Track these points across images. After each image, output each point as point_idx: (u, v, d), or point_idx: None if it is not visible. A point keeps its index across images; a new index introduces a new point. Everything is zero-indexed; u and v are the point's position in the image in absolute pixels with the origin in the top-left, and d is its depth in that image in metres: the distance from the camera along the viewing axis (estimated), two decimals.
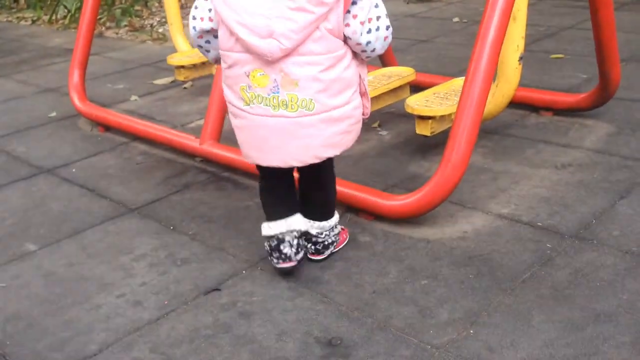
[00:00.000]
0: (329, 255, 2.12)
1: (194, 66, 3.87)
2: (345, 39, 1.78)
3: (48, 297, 2.07)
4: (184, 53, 4.05)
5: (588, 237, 2.11)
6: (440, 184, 2.18)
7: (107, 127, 3.49)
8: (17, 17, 7.22)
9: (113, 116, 3.48)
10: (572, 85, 3.52)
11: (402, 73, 3.19)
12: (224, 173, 2.84)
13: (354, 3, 1.74)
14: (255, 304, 1.94)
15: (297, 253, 2.03)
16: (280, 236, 2.01)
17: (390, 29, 1.83)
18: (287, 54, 1.73)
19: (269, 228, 2.02)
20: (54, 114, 3.85)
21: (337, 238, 2.15)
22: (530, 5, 5.42)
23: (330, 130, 1.85)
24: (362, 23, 1.74)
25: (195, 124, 3.52)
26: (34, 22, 6.95)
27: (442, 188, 2.18)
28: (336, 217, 2.12)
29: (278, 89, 1.78)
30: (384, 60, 3.71)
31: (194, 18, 1.89)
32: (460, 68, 3.90)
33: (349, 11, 1.74)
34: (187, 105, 3.84)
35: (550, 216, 2.26)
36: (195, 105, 3.83)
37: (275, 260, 2.03)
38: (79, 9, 6.50)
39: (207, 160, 2.94)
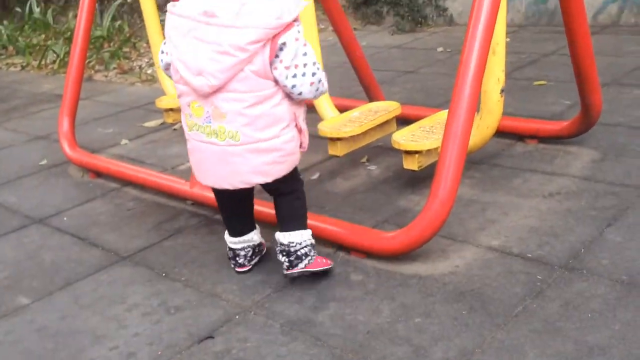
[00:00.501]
0: (300, 274, 2.21)
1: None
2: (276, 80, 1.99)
3: (41, 352, 2.06)
4: (172, 96, 4.08)
5: (578, 267, 2.13)
6: (429, 219, 2.20)
7: (98, 173, 3.51)
8: (7, 64, 7.27)
9: (103, 162, 3.50)
10: (555, 112, 3.57)
11: (388, 107, 3.23)
12: (216, 216, 2.84)
13: (281, 49, 1.93)
14: (249, 350, 1.93)
15: (250, 260, 2.37)
16: (236, 250, 2.34)
17: (318, 76, 2.01)
18: (217, 90, 1.96)
19: (228, 240, 2.35)
20: (44, 162, 3.86)
21: (312, 253, 2.22)
22: (511, 33, 5.55)
23: (258, 160, 2.06)
24: (287, 68, 1.95)
25: (185, 165, 3.54)
26: (23, 68, 7.01)
27: (431, 224, 2.20)
28: (308, 233, 2.24)
29: (210, 119, 2.03)
30: (370, 94, 3.76)
31: (162, 52, 2.16)
32: (447, 98, 3.92)
33: (277, 55, 1.94)
34: (177, 147, 3.87)
35: (540, 247, 2.27)
36: (185, 146, 3.78)
37: (232, 265, 2.39)
38: (67, 53, 6.56)
39: (198, 203, 2.96)
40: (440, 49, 5.43)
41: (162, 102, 3.94)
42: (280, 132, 2.05)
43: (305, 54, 1.97)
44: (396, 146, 2.76)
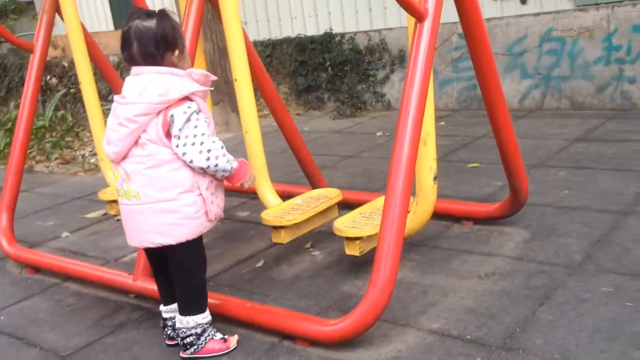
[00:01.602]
0: (193, 357, 2.37)
1: None
2: None
3: None
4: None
5: (514, 346, 2.20)
6: (371, 306, 2.25)
7: (37, 269, 3.43)
8: None
9: (43, 257, 3.44)
10: (488, 193, 3.75)
11: (329, 195, 3.34)
12: (159, 308, 2.81)
13: (172, 121, 2.20)
14: None
15: (178, 335, 2.40)
16: (164, 319, 2.49)
17: (206, 146, 2.21)
18: (125, 157, 2.27)
19: (160, 309, 2.51)
20: None
21: (200, 342, 2.37)
22: (446, 117, 5.85)
23: (158, 220, 2.26)
24: (176, 137, 2.21)
25: (129, 257, 3.51)
26: None
27: (372, 310, 2.25)
28: (199, 318, 2.37)
29: (122, 182, 2.31)
30: (312, 181, 3.87)
31: None
32: (386, 182, 4.09)
33: (171, 126, 2.21)
34: (120, 238, 3.82)
35: (478, 328, 2.35)
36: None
37: (164, 336, 2.51)
38: (8, 144, 6.50)
39: (142, 296, 2.92)
40: (379, 134, 5.65)
41: (105, 194, 3.93)
42: (179, 196, 2.25)
43: (195, 127, 2.21)
44: (338, 233, 2.84)
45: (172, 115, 2.20)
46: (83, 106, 8.33)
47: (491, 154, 4.45)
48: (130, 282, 2.93)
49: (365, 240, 2.83)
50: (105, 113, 4.36)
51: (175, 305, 2.45)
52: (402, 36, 6.36)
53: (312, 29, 7.03)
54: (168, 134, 2.22)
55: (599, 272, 2.63)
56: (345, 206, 3.59)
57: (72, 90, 8.71)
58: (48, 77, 8.97)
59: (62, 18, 3.95)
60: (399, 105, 6.91)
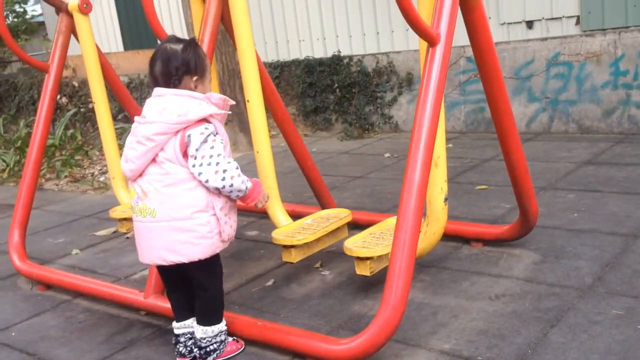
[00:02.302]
0: None
1: None
2: None
3: None
4: (127, 205, 4.11)
5: None
6: (382, 326, 2.26)
7: (48, 285, 3.45)
8: None
9: (53, 274, 3.46)
10: (497, 215, 3.77)
11: (339, 215, 3.35)
12: (169, 325, 2.82)
13: (189, 141, 2.27)
14: None
15: (190, 352, 2.50)
16: (177, 336, 2.52)
17: (222, 166, 2.26)
18: (141, 174, 2.33)
19: (173, 325, 2.54)
20: None
21: (221, 347, 2.49)
22: (453, 139, 5.88)
23: (172, 238, 2.30)
24: (192, 157, 2.27)
25: (139, 274, 3.53)
26: None
27: (384, 330, 2.26)
28: (221, 326, 2.49)
29: (138, 200, 2.35)
30: (321, 201, 3.90)
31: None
32: (395, 202, 4.11)
33: (188, 146, 2.28)
34: (130, 255, 3.86)
35: (489, 349, 2.35)
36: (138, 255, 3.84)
37: (175, 353, 2.53)
38: (17, 162, 6.57)
39: (152, 313, 2.94)
40: (387, 155, 5.69)
41: (116, 212, 3.96)
42: (193, 215, 2.30)
43: (212, 148, 2.27)
44: (348, 253, 2.86)
45: (189, 136, 2.26)
46: (92, 125, 8.45)
47: (499, 176, 4.48)
48: (141, 299, 2.95)
49: (376, 261, 2.84)
50: (116, 132, 4.42)
51: (187, 322, 2.51)
52: (409, 59, 6.43)
53: (320, 52, 7.11)
54: (185, 154, 2.28)
55: (610, 295, 2.64)
56: (355, 226, 3.61)
57: (81, 110, 8.81)
58: (58, 96, 9.07)
59: (77, 39, 4.02)
60: (406, 127, 6.99)
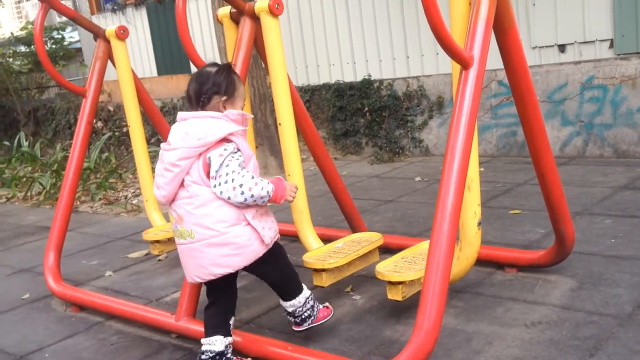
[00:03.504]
0: (309, 328, 2.70)
1: (169, 240, 3.96)
2: None
3: None
4: (159, 227, 4.16)
5: None
6: (415, 352, 2.21)
7: (82, 307, 3.49)
8: None
9: (87, 295, 3.50)
10: (532, 240, 3.70)
11: (370, 238, 3.33)
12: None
13: (210, 163, 2.37)
14: None
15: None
16: (200, 355, 2.52)
17: (237, 181, 2.34)
18: (173, 199, 2.45)
19: (202, 341, 2.56)
20: (27, 296, 3.84)
21: (314, 312, 2.71)
22: (485, 163, 5.82)
23: (215, 253, 2.40)
24: (213, 177, 2.37)
25: (170, 297, 3.55)
26: (8, 199, 7.09)
27: (416, 356, 2.21)
28: (304, 294, 2.67)
29: (176, 224, 2.48)
30: (352, 224, 3.88)
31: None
32: (426, 227, 4.07)
33: (211, 167, 2.38)
34: (162, 278, 3.89)
35: None
36: (170, 277, 3.88)
37: None
38: (53, 185, 6.70)
39: (183, 336, 2.94)
40: (418, 179, 5.65)
41: (149, 235, 4.00)
42: (228, 229, 2.39)
43: (227, 166, 2.36)
44: (380, 277, 2.83)
45: (209, 158, 2.37)
46: (127, 148, 8.60)
47: (533, 200, 4.41)
48: (172, 322, 2.95)
49: (408, 285, 2.81)
50: (151, 156, 4.49)
51: (213, 339, 2.53)
52: (439, 83, 6.42)
53: (350, 76, 7.15)
54: (208, 175, 2.39)
55: None
56: (386, 250, 3.58)
57: (116, 134, 8.98)
58: (94, 120, 9.27)
59: (114, 64, 4.11)
60: (437, 150, 6.96)
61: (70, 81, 4.57)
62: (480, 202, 2.84)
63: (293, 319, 2.69)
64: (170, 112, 8.62)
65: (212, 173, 2.36)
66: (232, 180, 2.35)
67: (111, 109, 9.29)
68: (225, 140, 2.38)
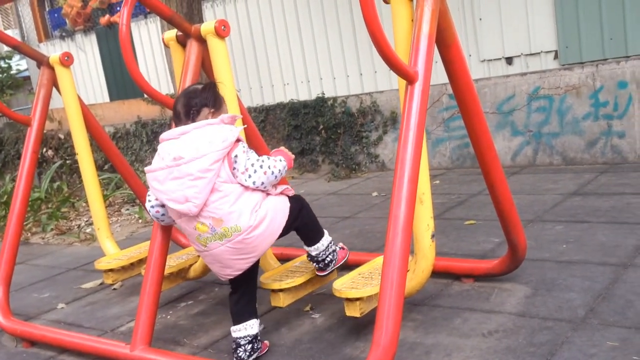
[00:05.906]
0: (332, 271, 3.00)
1: (123, 268, 3.86)
2: None
3: None
4: (112, 256, 4.06)
5: None
6: None
7: (33, 342, 3.37)
8: None
9: (38, 330, 3.38)
10: (487, 250, 3.74)
11: None
12: None
13: (235, 161, 2.58)
14: None
15: (250, 355, 2.75)
16: (237, 340, 2.74)
17: (266, 164, 2.62)
18: (203, 207, 2.54)
19: (232, 331, 2.79)
20: None
21: (336, 255, 2.99)
22: (440, 175, 5.90)
23: (264, 226, 2.62)
24: (242, 173, 2.59)
25: (126, 326, 3.46)
26: None
27: None
28: (326, 238, 2.95)
29: (215, 228, 2.58)
30: None
31: (149, 200, 2.76)
32: (384, 242, 4.07)
33: (235, 167, 2.58)
34: (117, 307, 3.79)
35: None
36: (125, 306, 3.78)
37: (235, 358, 2.75)
38: (3, 217, 6.49)
39: None
40: (375, 194, 5.68)
41: (102, 264, 3.90)
42: (263, 208, 2.63)
43: (249, 159, 2.61)
44: (337, 294, 2.82)
45: (236, 156, 2.58)
46: (79, 176, 8.40)
47: (487, 210, 4.47)
48: (127, 352, 2.87)
49: (366, 301, 2.80)
50: (101, 183, 4.40)
51: (249, 323, 2.77)
52: (392, 98, 6.50)
53: (305, 94, 7.18)
54: (232, 172, 2.59)
55: (604, 326, 2.60)
56: (344, 267, 3.56)
57: (67, 162, 8.79)
58: (44, 149, 9.06)
59: (59, 91, 4.03)
60: (393, 165, 7.01)
61: (18, 110, 4.48)
62: (436, 214, 2.87)
63: (317, 265, 2.94)
64: (123, 138, 8.48)
65: (242, 169, 2.56)
66: (260, 167, 2.60)
67: (62, 136, 9.09)
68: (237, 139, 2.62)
